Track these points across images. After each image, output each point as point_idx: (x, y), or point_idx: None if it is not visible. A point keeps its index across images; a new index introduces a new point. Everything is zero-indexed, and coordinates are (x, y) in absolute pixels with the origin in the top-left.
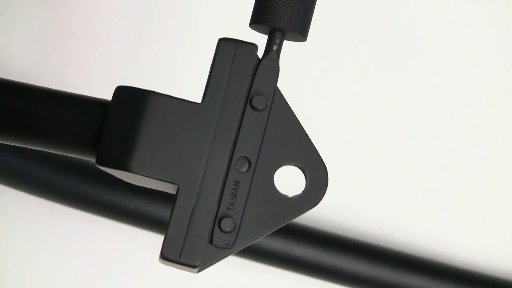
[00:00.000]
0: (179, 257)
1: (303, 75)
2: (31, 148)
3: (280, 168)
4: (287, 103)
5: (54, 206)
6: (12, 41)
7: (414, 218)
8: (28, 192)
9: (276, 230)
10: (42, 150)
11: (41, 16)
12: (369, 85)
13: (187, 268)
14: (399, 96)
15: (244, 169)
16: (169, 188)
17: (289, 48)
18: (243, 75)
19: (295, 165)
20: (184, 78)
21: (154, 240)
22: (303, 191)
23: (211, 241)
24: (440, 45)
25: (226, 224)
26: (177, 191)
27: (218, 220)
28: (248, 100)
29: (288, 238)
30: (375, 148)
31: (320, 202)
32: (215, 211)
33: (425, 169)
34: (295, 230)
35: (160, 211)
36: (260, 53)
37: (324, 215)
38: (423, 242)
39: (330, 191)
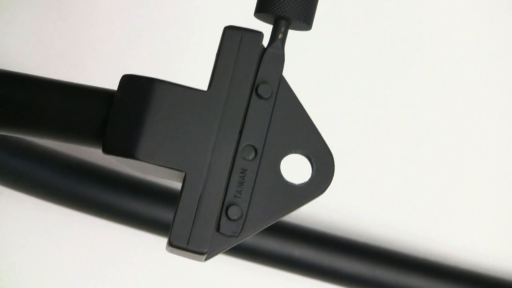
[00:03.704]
0: (187, 244)
1: (301, 74)
2: (31, 149)
3: (287, 156)
4: (292, 91)
5: (54, 208)
6: (12, 41)
7: (414, 219)
8: (28, 193)
9: (277, 231)
10: (49, 140)
11: (41, 16)
12: (369, 85)
13: (195, 255)
14: (398, 95)
15: (250, 157)
16: (176, 176)
17: (288, 47)
18: (248, 63)
19: (301, 153)
20: (189, 70)
21: (153, 242)
22: (309, 179)
23: (218, 229)
24: (440, 45)
25: (233, 212)
26: (184, 179)
27: (225, 208)
28: (254, 88)
29: (289, 239)
30: (375, 149)
31: (327, 190)
32: (222, 199)
33: (425, 170)
34: (295, 231)
35: (159, 212)
36: (265, 42)
37: (324, 216)
38: (424, 243)
39: (331, 192)
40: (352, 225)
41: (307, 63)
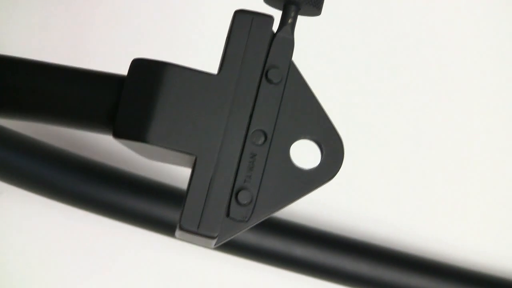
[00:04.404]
0: (198, 228)
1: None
2: (32, 146)
3: (296, 142)
4: (302, 76)
5: (55, 205)
6: (12, 41)
7: (415, 218)
8: (29, 191)
9: (278, 230)
10: (59, 126)
11: (41, 16)
12: (369, 84)
13: (205, 240)
14: (399, 95)
15: (260, 142)
16: (186, 161)
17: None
18: (259, 48)
19: (310, 139)
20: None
21: (155, 240)
22: (319, 164)
23: (228, 214)
24: (442, 45)
25: (243, 197)
26: (195, 163)
27: (235, 193)
28: (264, 73)
29: (290, 238)
30: (376, 148)
31: (335, 176)
32: (232, 184)
33: (426, 169)
34: (296, 230)
35: (162, 211)
36: (274, 28)
37: (325, 215)
38: (425, 242)
39: (332, 191)
40: (354, 224)
41: (307, 62)
